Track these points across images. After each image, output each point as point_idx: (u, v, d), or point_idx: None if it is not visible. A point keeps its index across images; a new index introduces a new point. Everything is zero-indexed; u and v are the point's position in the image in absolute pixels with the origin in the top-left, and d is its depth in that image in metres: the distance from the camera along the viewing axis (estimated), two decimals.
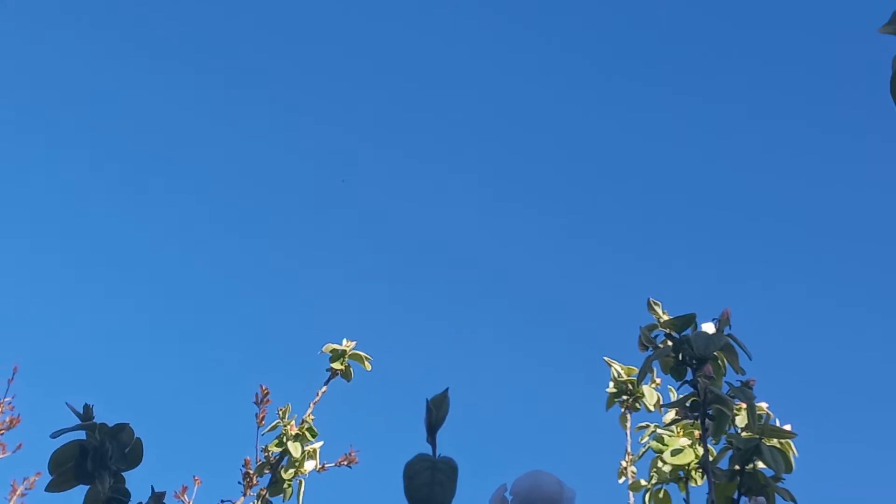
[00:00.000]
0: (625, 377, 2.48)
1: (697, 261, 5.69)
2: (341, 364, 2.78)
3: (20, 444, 3.52)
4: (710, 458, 1.51)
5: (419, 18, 6.22)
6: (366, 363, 2.79)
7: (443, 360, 5.02)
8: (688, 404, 1.52)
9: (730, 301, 1.56)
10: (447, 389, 0.95)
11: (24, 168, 5.77)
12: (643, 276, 5.42)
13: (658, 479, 2.19)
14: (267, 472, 2.67)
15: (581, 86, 6.15)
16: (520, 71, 6.16)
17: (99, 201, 5.70)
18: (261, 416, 2.70)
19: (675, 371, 1.54)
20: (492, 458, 4.01)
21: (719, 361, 1.56)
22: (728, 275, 5.45)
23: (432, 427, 0.94)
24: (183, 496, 2.69)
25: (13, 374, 3.53)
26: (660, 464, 2.16)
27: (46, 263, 5.68)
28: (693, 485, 2.15)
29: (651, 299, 1.77)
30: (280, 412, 2.71)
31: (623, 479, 2.45)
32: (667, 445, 2.16)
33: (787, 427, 1.71)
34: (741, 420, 1.77)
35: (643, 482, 2.26)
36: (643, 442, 2.29)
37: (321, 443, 2.73)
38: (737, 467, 1.52)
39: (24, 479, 3.43)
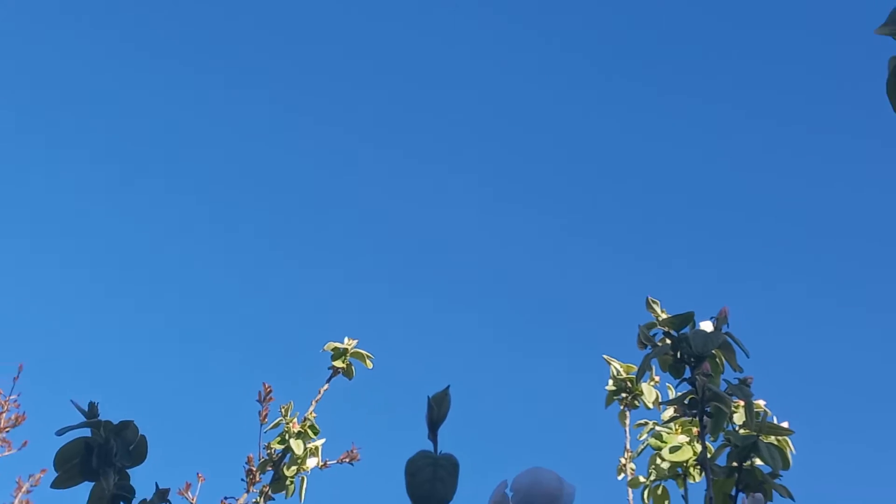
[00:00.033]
0: (624, 375, 2.49)
1: (695, 260, 5.70)
2: (343, 362, 2.79)
3: (26, 442, 3.54)
4: (708, 455, 1.51)
5: (419, 18, 6.22)
6: (367, 361, 2.80)
7: (443, 359, 5.03)
8: (686, 402, 1.52)
9: (727, 300, 1.57)
10: (448, 387, 0.95)
11: (25, 168, 5.77)
12: (642, 275, 5.44)
13: (657, 475, 2.20)
14: (270, 469, 2.68)
15: (581, 86, 6.16)
16: (520, 71, 6.17)
17: (101, 201, 5.71)
18: (263, 413, 2.71)
19: (674, 369, 1.55)
20: (493, 454, 4.02)
21: (717, 359, 1.56)
22: (725, 274, 5.46)
23: (434, 424, 0.94)
24: (187, 493, 2.70)
25: (18, 373, 3.55)
26: (658, 460, 2.17)
27: (51, 263, 5.69)
28: (691, 481, 2.16)
29: (650, 298, 1.78)
30: (282, 410, 2.72)
31: (622, 475, 2.46)
32: (665, 442, 2.17)
33: (785, 424, 1.72)
34: (739, 417, 1.78)
35: (642, 479, 2.27)
36: (642, 439, 2.31)
37: (323, 440, 2.74)
38: (734, 464, 1.52)
39: (30, 476, 3.44)
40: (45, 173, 5.76)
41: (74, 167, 5.84)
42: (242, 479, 2.67)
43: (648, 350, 1.57)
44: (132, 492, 1.19)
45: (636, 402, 2.48)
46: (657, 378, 2.47)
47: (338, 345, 2.80)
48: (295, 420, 2.70)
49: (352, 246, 5.78)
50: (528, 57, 6.20)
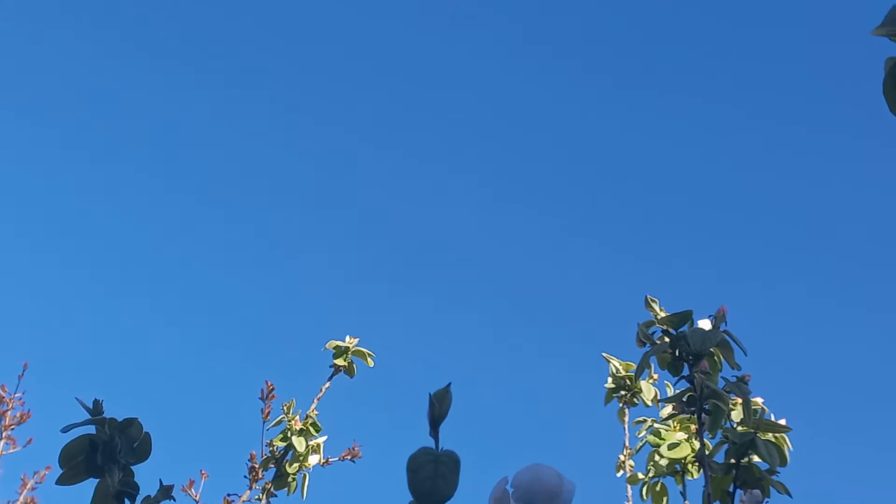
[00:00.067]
0: (623, 373, 2.50)
1: (694, 259, 5.70)
2: (344, 360, 2.80)
3: (31, 439, 3.54)
4: (707, 452, 1.52)
5: (419, 19, 6.23)
6: (368, 359, 2.81)
7: (444, 357, 5.03)
8: (684, 399, 1.53)
9: (725, 298, 1.58)
10: (449, 384, 0.95)
11: (26, 168, 5.78)
12: (641, 274, 5.44)
13: (655, 472, 2.21)
14: (272, 466, 2.69)
15: (580, 86, 6.17)
16: (519, 71, 6.17)
17: (103, 200, 5.71)
18: (266, 411, 2.72)
19: (672, 367, 1.55)
20: (493, 451, 4.02)
21: (715, 357, 1.56)
22: (723, 273, 5.47)
23: (435, 421, 0.94)
24: (190, 490, 2.71)
25: (23, 371, 3.55)
26: (657, 457, 2.18)
27: (54, 262, 5.69)
28: (689, 478, 2.17)
29: (648, 296, 1.79)
30: (285, 407, 2.73)
31: (621, 472, 2.47)
32: (664, 439, 2.18)
33: (782, 422, 1.73)
34: (737, 415, 1.79)
35: (641, 475, 2.28)
36: (641, 436, 2.31)
37: (325, 437, 2.74)
38: (732, 461, 1.53)
39: (35, 473, 3.44)
40: (46, 173, 5.76)
41: (74, 167, 5.84)
42: (245, 476, 2.68)
43: (647, 348, 1.58)
44: (136, 488, 1.20)
45: (635, 400, 2.49)
46: (656, 376, 2.47)
47: (339, 343, 2.81)
48: (297, 418, 2.71)
49: (352, 245, 5.79)
50: (528, 57, 6.20)
